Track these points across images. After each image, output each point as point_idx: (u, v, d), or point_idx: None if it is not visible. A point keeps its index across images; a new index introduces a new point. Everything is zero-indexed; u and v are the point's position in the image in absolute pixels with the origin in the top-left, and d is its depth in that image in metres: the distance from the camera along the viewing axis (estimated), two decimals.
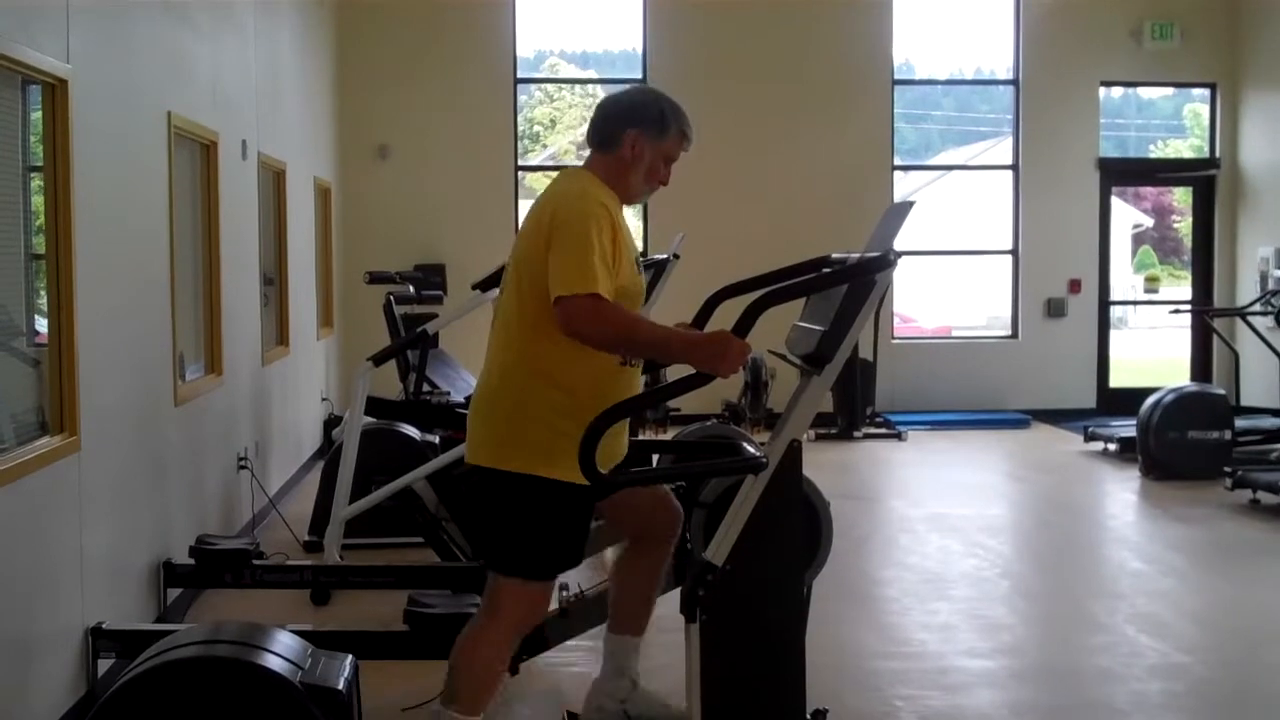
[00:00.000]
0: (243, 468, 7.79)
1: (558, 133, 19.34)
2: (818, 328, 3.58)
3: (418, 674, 4.95)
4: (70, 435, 4.83)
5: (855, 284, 3.49)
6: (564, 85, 17.38)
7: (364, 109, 13.10)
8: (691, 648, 3.60)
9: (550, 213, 3.70)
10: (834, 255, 3.92)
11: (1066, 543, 8.37)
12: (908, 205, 3.69)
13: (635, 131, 3.87)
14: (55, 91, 4.81)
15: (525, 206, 19.25)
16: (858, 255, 3.67)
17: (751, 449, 3.64)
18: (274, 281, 9.45)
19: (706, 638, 3.59)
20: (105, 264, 5.32)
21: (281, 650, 3.66)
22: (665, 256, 8.20)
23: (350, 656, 3.87)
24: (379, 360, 6.94)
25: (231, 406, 7.70)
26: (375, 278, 10.27)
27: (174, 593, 6.22)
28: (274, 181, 9.41)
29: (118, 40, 5.64)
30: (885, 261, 3.42)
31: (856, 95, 13.65)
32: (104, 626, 5.04)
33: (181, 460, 6.54)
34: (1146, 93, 17.49)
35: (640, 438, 8.85)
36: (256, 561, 6.16)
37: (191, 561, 6.09)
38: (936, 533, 8.38)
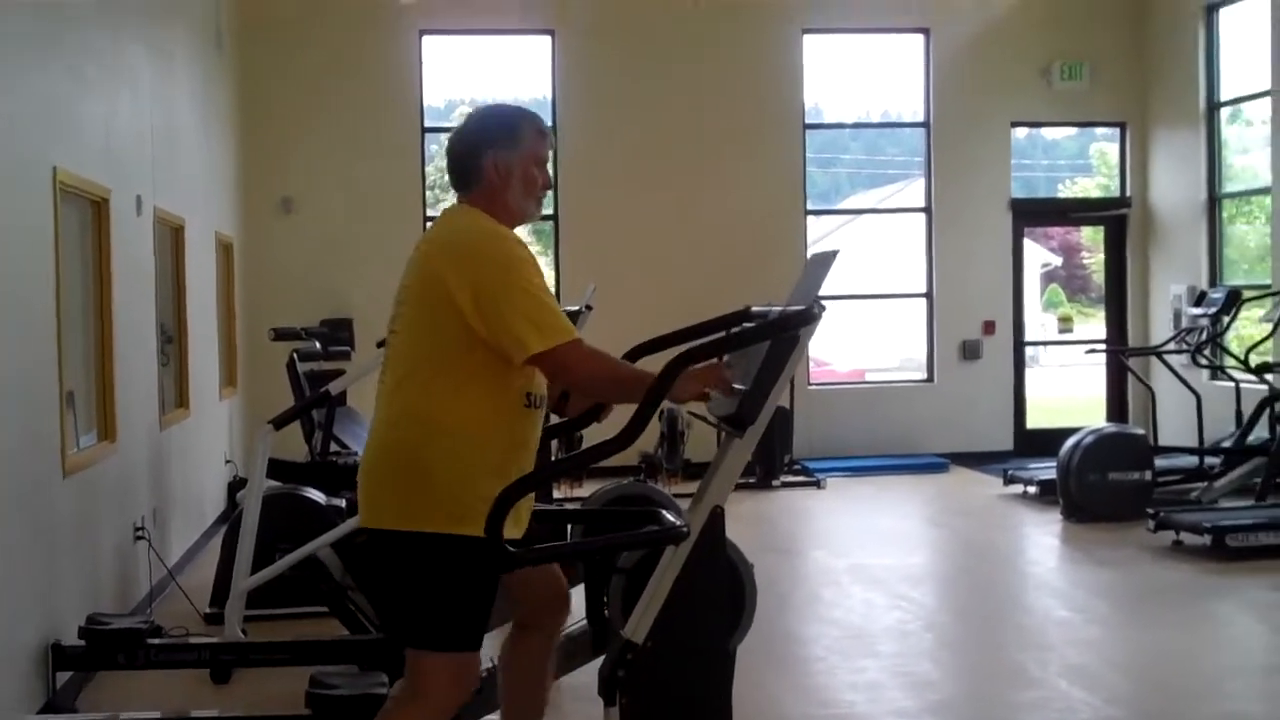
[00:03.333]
0: (140, 538, 7.45)
1: None
2: (738, 387, 3.37)
3: None
4: None
5: (778, 340, 3.29)
6: None
7: (267, 161, 12.80)
8: None
9: (469, 261, 3.47)
10: (754, 308, 3.72)
11: (990, 591, 8.22)
12: (831, 255, 3.51)
13: (490, 154, 3.64)
14: None
15: None
16: (779, 308, 3.47)
17: (672, 516, 3.43)
18: (173, 340, 9.12)
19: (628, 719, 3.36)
20: None
21: None
22: (578, 308, 8.00)
23: None
24: (280, 423, 6.64)
25: (127, 473, 7.36)
26: (280, 334, 9.98)
27: (65, 676, 5.87)
28: (171, 238, 9.10)
29: None
30: (809, 315, 3.23)
31: (768, 139, 13.56)
32: None
33: (72, 533, 6.20)
34: (1052, 133, 17.54)
35: (553, 496, 8.64)
36: (151, 640, 5.83)
37: (81, 643, 5.75)
38: (860, 585, 8.20)
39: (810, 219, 14.07)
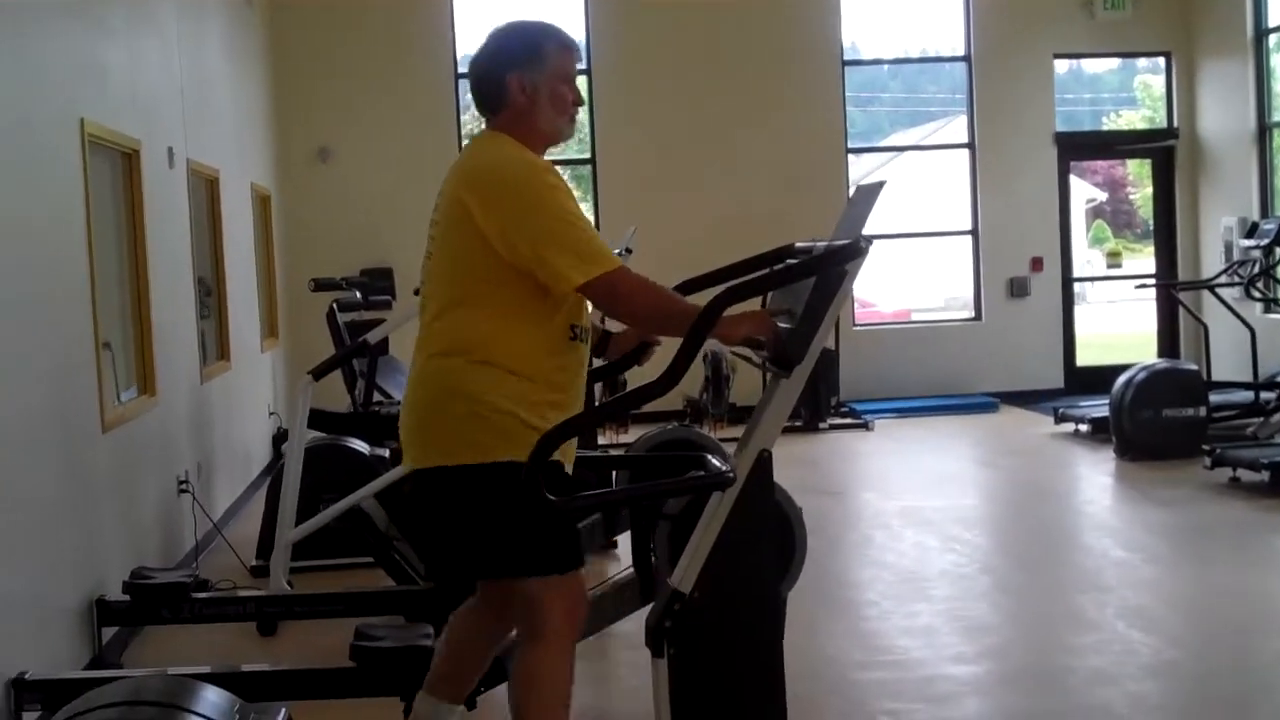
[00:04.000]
0: (183, 491, 7.41)
1: None
2: (784, 325, 3.24)
3: (366, 714, 4.60)
4: None
5: (823, 275, 3.15)
6: None
7: (302, 111, 12.70)
8: (660, 684, 3.27)
9: (497, 190, 3.32)
10: (798, 243, 3.58)
11: (1045, 532, 8.07)
12: (877, 186, 3.37)
13: (513, 75, 3.47)
14: None
15: None
16: (824, 243, 3.33)
17: (718, 461, 3.31)
18: (212, 293, 9.06)
19: (676, 671, 3.26)
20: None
21: (207, 710, 3.29)
22: (618, 251, 7.88)
23: (284, 709, 3.51)
24: (319, 373, 6.56)
25: (168, 427, 7.31)
26: (320, 285, 9.89)
27: (110, 631, 5.83)
28: (206, 189, 9.01)
29: (12, 46, 5.23)
30: (855, 249, 3.09)
31: (806, 78, 13.35)
32: (27, 677, 4.65)
33: (113, 488, 6.15)
34: (1094, 65, 17.24)
35: (597, 442, 8.53)
36: (196, 594, 5.78)
37: (126, 597, 5.70)
38: (911, 528, 8.07)
39: (851, 158, 13.85)
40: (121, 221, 6.90)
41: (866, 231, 3.20)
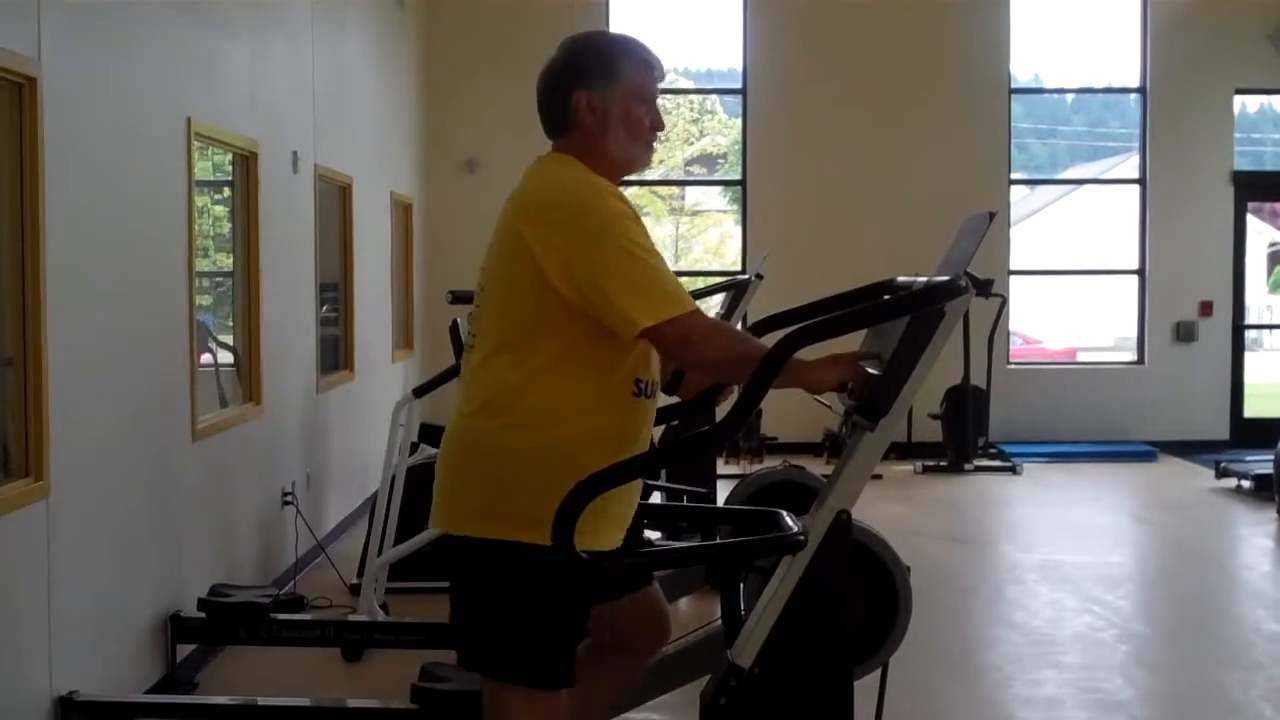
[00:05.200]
0: (287, 504, 7.21)
1: (668, 148, 18.78)
2: (872, 371, 2.85)
3: None
4: (36, 480, 4.26)
5: (919, 317, 2.76)
6: (670, 96, 16.84)
7: (451, 122, 12.56)
8: None
9: (558, 219, 2.92)
10: (899, 278, 3.18)
11: (1195, 599, 7.48)
12: (985, 218, 2.96)
13: (583, 93, 3.07)
14: (23, 91, 4.25)
15: None
16: (925, 279, 2.94)
17: (791, 521, 2.93)
18: (339, 302, 8.90)
19: None
20: (90, 277, 4.75)
21: None
22: (746, 277, 7.53)
23: None
24: (422, 390, 6.32)
25: (274, 437, 7.12)
26: (458, 297, 9.64)
27: (188, 649, 5.63)
28: (339, 196, 8.86)
29: (112, 39, 5.07)
30: (954, 288, 2.69)
31: (970, 104, 12.82)
32: (75, 697, 4.45)
33: (203, 500, 5.95)
34: None
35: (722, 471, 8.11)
36: (275, 615, 5.55)
37: (201, 615, 5.49)
38: (1048, 584, 7.55)
39: (1017, 189, 13.29)
40: (237, 224, 6.75)
41: (971, 268, 2.80)
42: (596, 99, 3.05)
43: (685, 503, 6.62)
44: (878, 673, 3.94)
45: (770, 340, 2.87)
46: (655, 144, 3.19)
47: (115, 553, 4.97)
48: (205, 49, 6.13)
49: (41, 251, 4.29)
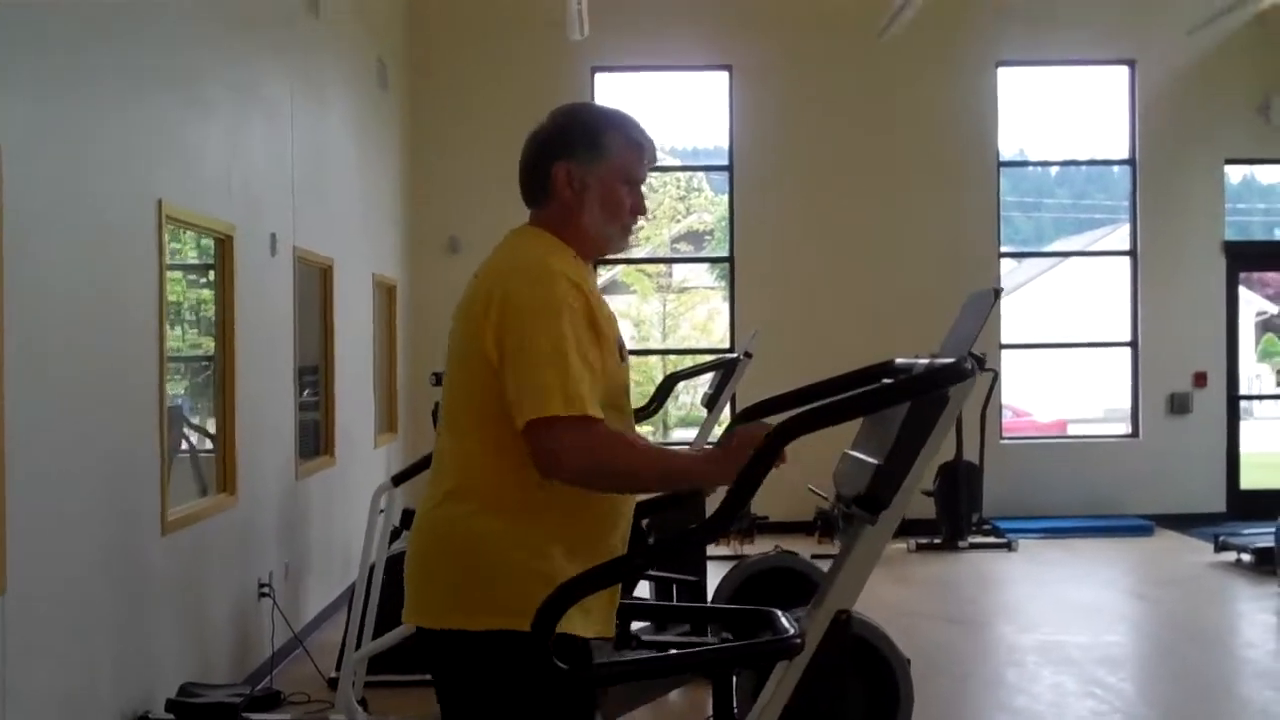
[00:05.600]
0: (264, 595, 6.99)
1: (655, 225, 18.68)
2: (871, 460, 2.67)
3: None
4: None
5: (921, 402, 2.59)
6: (656, 174, 16.78)
7: (434, 201, 12.43)
8: None
9: (500, 296, 2.72)
10: (899, 360, 3.01)
11: (1199, 679, 7.26)
12: (989, 295, 2.80)
13: (563, 164, 2.89)
14: None
15: (610, 304, 18.61)
16: (926, 360, 2.77)
17: (787, 622, 2.73)
18: (319, 387, 8.72)
19: None
20: (52, 362, 4.57)
21: None
22: (735, 355, 7.37)
23: None
24: (400, 479, 6.13)
25: (251, 527, 6.92)
26: (440, 379, 9.52)
27: None
28: (319, 279, 8.70)
29: (82, 116, 4.92)
30: (959, 372, 2.51)
31: (959, 177, 12.72)
32: None
33: (174, 595, 5.74)
34: (1269, 176, 16.39)
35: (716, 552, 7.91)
36: (248, 715, 5.32)
37: (170, 716, 5.26)
38: (1049, 666, 7.33)
39: (1007, 262, 13.17)
40: (215, 309, 6.59)
41: (977, 349, 2.63)
42: (576, 171, 2.89)
43: (674, 599, 6.39)
44: None
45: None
46: (634, 229, 3.01)
47: (76, 652, 4.76)
48: (180, 130, 5.98)
49: None
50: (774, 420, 2.62)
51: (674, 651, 3.40)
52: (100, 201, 5.08)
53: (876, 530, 2.64)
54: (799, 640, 2.61)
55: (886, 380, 2.91)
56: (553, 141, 2.92)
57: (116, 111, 5.25)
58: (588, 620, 2.72)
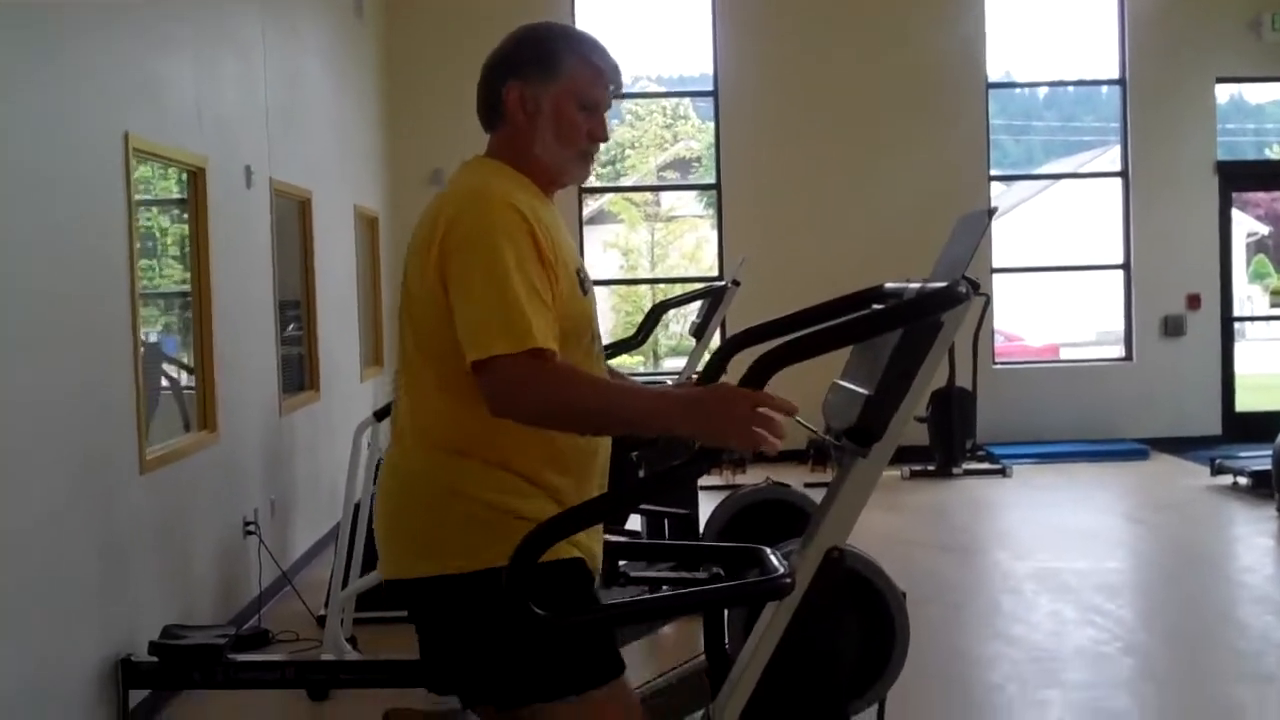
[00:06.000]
0: (250, 534, 6.89)
1: (641, 154, 18.47)
2: (861, 391, 2.54)
3: None
4: None
5: (914, 329, 2.45)
6: (642, 102, 16.58)
7: (416, 133, 12.19)
8: None
9: (443, 225, 2.54)
10: (888, 285, 2.87)
11: (1198, 605, 7.18)
12: (983, 216, 2.66)
13: (515, 83, 2.70)
14: None
15: (592, 233, 18.39)
16: (917, 284, 2.63)
17: (777, 561, 2.62)
18: (301, 320, 8.58)
19: None
20: (11, 299, 4.43)
21: None
22: (723, 283, 7.24)
23: None
24: (384, 414, 6.00)
25: (233, 464, 6.80)
26: None
27: (142, 694, 5.30)
28: (297, 211, 8.53)
29: (42, 53, 4.76)
30: (954, 296, 2.36)
31: (947, 100, 12.52)
32: None
33: (154, 534, 5.63)
34: (1257, 96, 16.21)
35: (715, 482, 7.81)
36: (233, 656, 5.22)
37: (154, 658, 5.16)
38: (1046, 593, 7.26)
39: (997, 185, 13.01)
40: (186, 243, 6.43)
41: (970, 272, 2.49)
42: (529, 92, 2.70)
43: (665, 533, 6.29)
44: (874, 708, 3.65)
45: (742, 360, 2.56)
46: (594, 156, 2.81)
47: (53, 597, 4.65)
48: (146, 64, 5.81)
49: None
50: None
51: (661, 593, 3.28)
52: (67, 136, 4.94)
53: (869, 463, 2.52)
54: (789, 580, 2.50)
55: (876, 306, 2.78)
56: (505, 61, 2.74)
57: (83, 47, 5.10)
58: (573, 544, 2.59)
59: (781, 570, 2.54)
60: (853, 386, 2.63)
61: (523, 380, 2.41)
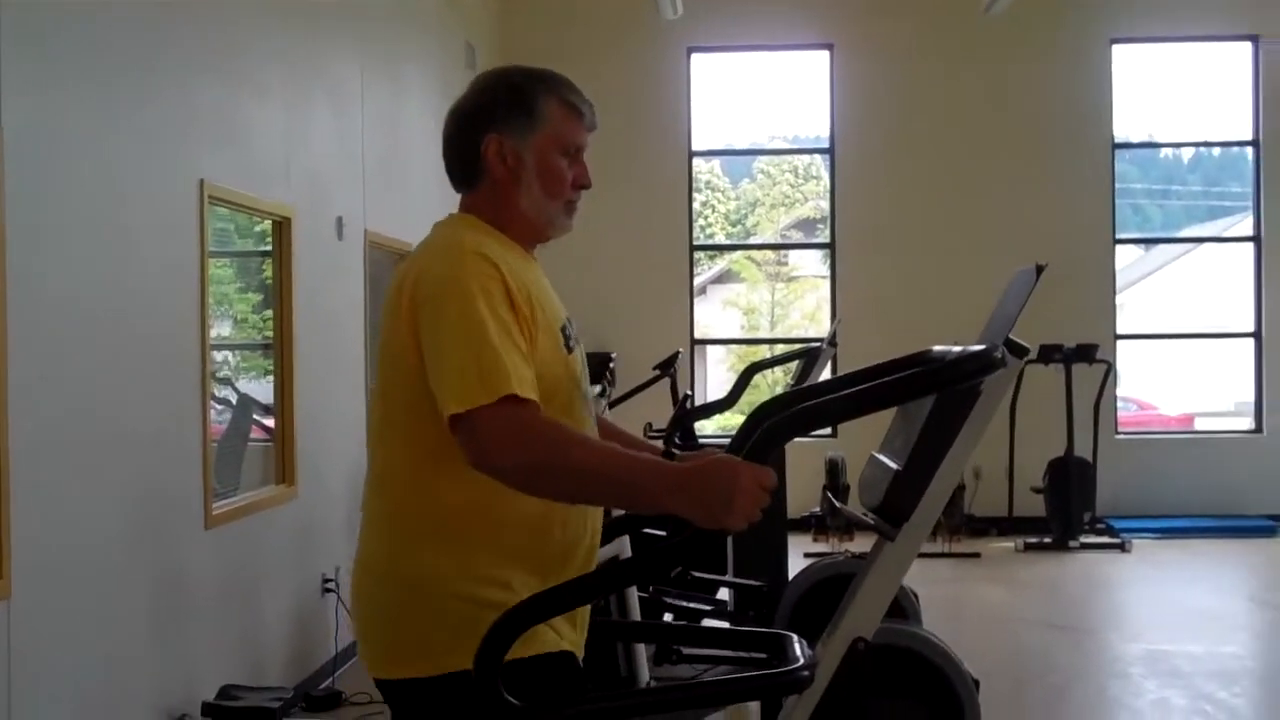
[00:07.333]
0: (328, 591, 6.77)
1: (766, 213, 18.37)
2: (892, 465, 2.31)
3: None
4: None
5: (946, 397, 2.22)
6: (774, 160, 16.58)
7: None
8: None
9: (411, 283, 2.37)
10: (935, 349, 2.63)
11: None
12: (1032, 273, 2.42)
13: (492, 136, 2.51)
14: None
15: (715, 291, 18.23)
16: (959, 350, 2.39)
17: (799, 649, 2.38)
18: None
19: None
20: (67, 355, 4.36)
21: None
22: (817, 345, 7.01)
23: None
24: None
25: (312, 519, 6.69)
26: None
27: None
28: (394, 264, 8.47)
29: (109, 97, 4.72)
30: (986, 361, 2.10)
31: (1070, 159, 12.15)
32: None
33: (220, 591, 5.52)
34: None
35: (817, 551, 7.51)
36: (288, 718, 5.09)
37: None
38: (1155, 678, 6.86)
39: (1133, 250, 12.57)
40: (270, 294, 6.38)
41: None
42: (509, 144, 2.52)
43: (732, 604, 6.01)
44: None
45: None
46: (577, 205, 2.62)
47: (100, 655, 4.54)
48: (230, 110, 5.77)
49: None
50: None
51: (669, 684, 3.03)
52: (133, 184, 4.87)
53: (898, 546, 2.28)
54: (808, 673, 2.26)
55: (906, 372, 2.54)
56: (480, 111, 2.54)
57: (159, 93, 5.06)
58: (559, 636, 2.40)
59: (802, 661, 2.30)
60: (885, 460, 2.39)
61: (505, 432, 2.20)
